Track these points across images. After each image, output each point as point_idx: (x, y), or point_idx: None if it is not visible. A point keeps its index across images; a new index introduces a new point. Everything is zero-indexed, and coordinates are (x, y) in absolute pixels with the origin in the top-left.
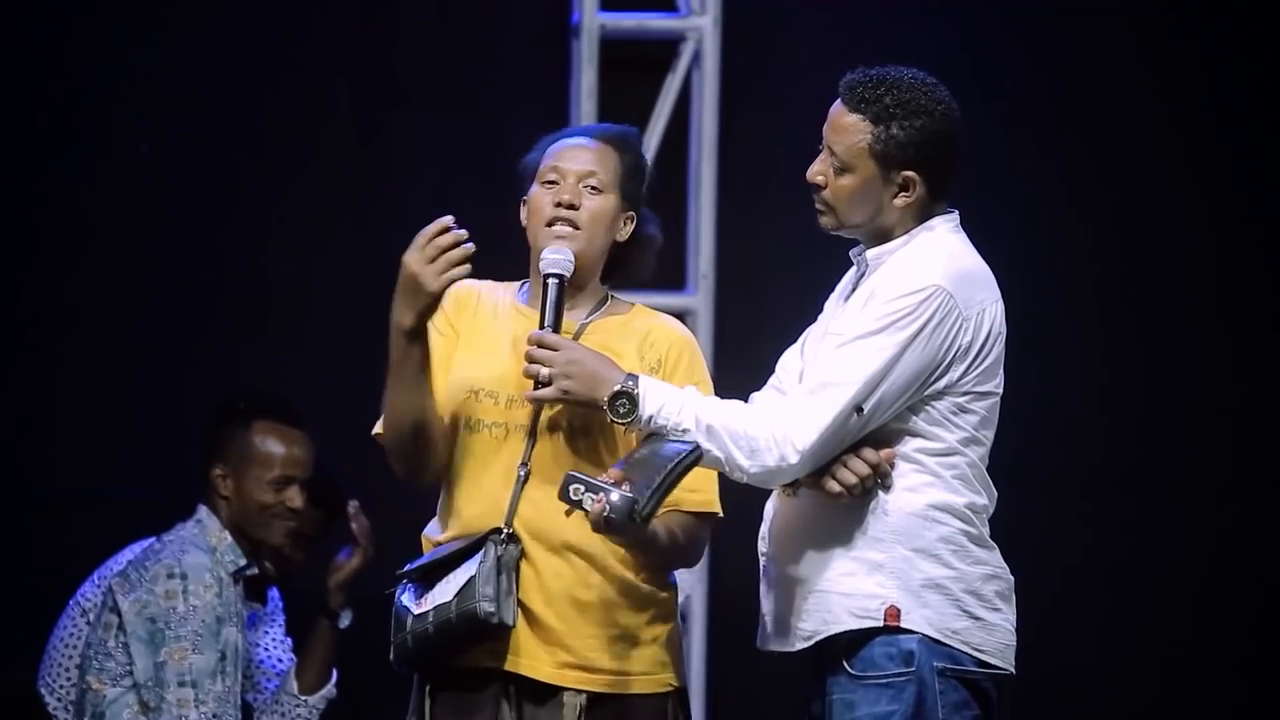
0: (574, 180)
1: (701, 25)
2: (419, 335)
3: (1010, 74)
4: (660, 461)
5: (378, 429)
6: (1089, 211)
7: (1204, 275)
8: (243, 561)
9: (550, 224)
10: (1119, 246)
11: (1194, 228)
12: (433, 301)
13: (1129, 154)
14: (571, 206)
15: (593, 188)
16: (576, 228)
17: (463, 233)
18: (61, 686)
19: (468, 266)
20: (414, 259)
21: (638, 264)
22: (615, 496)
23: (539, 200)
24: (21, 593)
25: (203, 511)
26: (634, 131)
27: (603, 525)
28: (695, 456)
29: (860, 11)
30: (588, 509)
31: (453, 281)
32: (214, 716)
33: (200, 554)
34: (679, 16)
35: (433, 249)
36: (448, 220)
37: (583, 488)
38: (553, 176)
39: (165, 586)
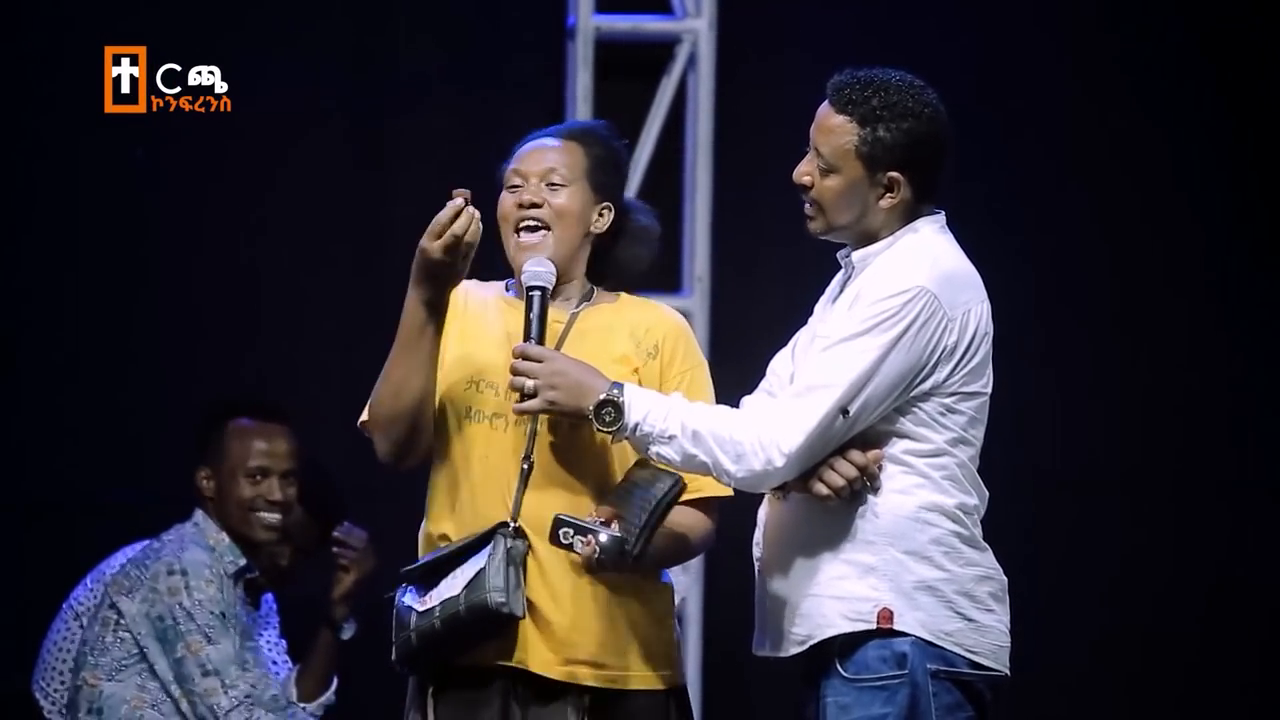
0: (536, 180)
1: (697, 28)
2: (439, 309)
3: (1005, 76)
4: (646, 497)
5: (365, 416)
6: (1077, 210)
7: (1194, 275)
8: (243, 561)
9: (516, 227)
10: (1108, 246)
11: (1184, 228)
12: (455, 276)
13: (1119, 153)
14: (534, 205)
15: (554, 184)
16: (544, 225)
17: (472, 209)
18: (55, 690)
19: (476, 238)
20: (433, 246)
21: (629, 256)
22: (604, 538)
23: (505, 205)
24: (22, 596)
25: (199, 515)
26: (601, 124)
27: (595, 566)
28: (679, 490)
29: (856, 14)
30: (579, 551)
31: (468, 258)
32: (246, 696)
33: (200, 551)
34: (674, 19)
35: (449, 237)
36: (459, 202)
37: (571, 530)
38: (516, 181)
39: (167, 583)
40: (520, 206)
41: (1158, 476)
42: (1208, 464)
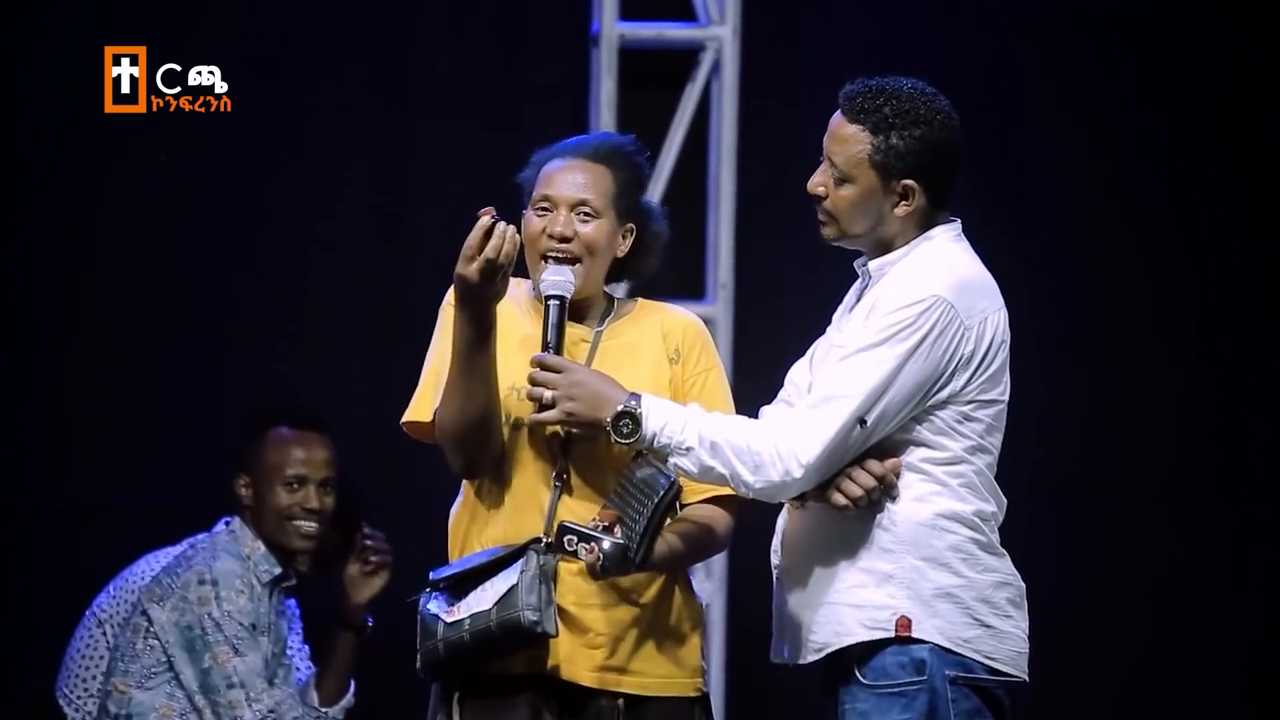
0: (566, 210)
1: (721, 35)
2: (487, 324)
3: (1024, 83)
4: (645, 501)
5: (413, 417)
6: (1094, 218)
7: (1206, 282)
8: (278, 570)
9: (544, 256)
10: (1123, 253)
11: (1197, 235)
12: (496, 295)
13: (1135, 162)
14: (565, 239)
15: (585, 215)
16: (573, 259)
17: (503, 225)
18: (79, 696)
19: (513, 254)
20: (469, 271)
21: (644, 264)
22: (607, 545)
23: (533, 228)
24: (42, 600)
25: (236, 522)
26: (628, 141)
27: (599, 572)
28: (676, 491)
29: (879, 21)
30: (583, 558)
31: (506, 276)
32: (271, 711)
33: (232, 560)
34: (698, 26)
35: (483, 262)
36: (486, 221)
37: (575, 538)
38: (545, 205)
39: (198, 593)
40: (550, 237)
41: (1164, 479)
42: (1214, 467)
